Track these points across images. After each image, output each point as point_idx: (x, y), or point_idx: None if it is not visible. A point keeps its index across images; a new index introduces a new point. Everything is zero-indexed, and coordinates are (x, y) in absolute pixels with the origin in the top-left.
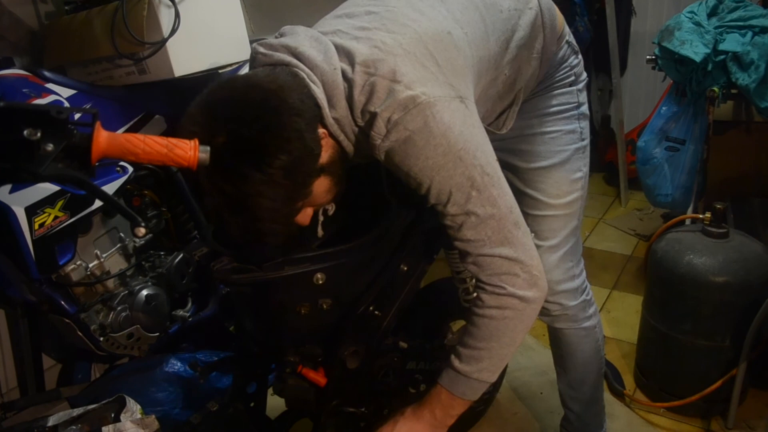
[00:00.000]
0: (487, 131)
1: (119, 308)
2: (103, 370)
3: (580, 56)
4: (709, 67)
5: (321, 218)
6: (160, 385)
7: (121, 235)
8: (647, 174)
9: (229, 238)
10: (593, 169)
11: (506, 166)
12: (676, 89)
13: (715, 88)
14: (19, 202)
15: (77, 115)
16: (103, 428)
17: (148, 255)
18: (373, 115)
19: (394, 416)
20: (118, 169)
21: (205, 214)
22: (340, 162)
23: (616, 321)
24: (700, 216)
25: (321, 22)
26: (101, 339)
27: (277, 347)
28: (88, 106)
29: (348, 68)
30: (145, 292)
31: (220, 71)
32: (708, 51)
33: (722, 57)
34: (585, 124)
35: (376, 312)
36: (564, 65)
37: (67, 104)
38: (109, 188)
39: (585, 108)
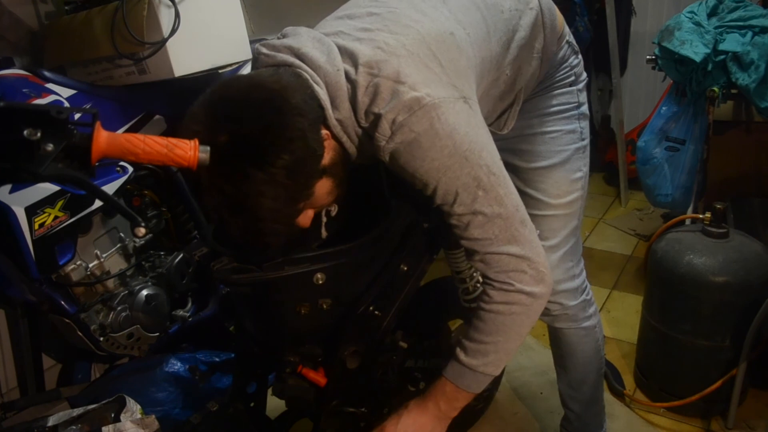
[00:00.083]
0: (488, 128)
1: (119, 308)
2: (103, 370)
3: (580, 56)
4: (709, 67)
5: (324, 219)
6: (160, 385)
7: (121, 235)
8: (647, 174)
9: (229, 238)
10: (593, 169)
11: (506, 166)
12: (676, 89)
13: (715, 88)
14: (19, 202)
15: (77, 115)
16: (103, 428)
17: (148, 255)
18: (378, 117)
19: (398, 411)
20: (118, 169)
21: (205, 214)
22: (342, 164)
23: (616, 321)
24: (700, 216)
25: (322, 24)
26: (101, 339)
27: (277, 347)
28: (88, 106)
29: (351, 69)
30: (145, 292)
31: (220, 71)
32: (708, 51)
33: (722, 57)
34: (585, 124)
35: (376, 312)
36: (564, 65)
37: (67, 104)
38: (109, 188)
39: (585, 108)
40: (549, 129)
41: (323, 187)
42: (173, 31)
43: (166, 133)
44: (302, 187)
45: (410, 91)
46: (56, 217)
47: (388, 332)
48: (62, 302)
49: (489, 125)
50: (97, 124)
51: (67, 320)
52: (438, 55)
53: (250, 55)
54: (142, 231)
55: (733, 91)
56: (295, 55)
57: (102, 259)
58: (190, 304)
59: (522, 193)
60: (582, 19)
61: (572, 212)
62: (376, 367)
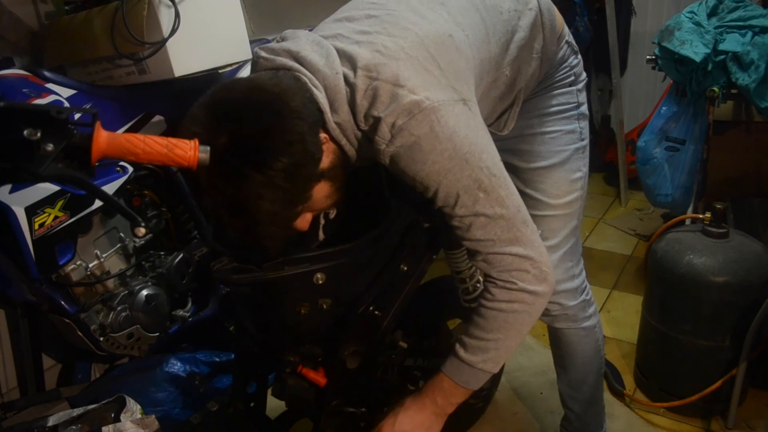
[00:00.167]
0: (487, 130)
1: (119, 308)
2: (103, 370)
3: (579, 56)
4: (709, 67)
5: (322, 222)
6: (160, 385)
7: (121, 235)
8: (647, 174)
9: (229, 238)
10: (593, 169)
11: (506, 166)
12: (676, 89)
13: (715, 88)
14: (19, 202)
15: (77, 115)
16: (103, 428)
17: (148, 255)
18: (377, 120)
19: (394, 409)
20: (118, 169)
21: (205, 214)
22: (341, 167)
23: (616, 321)
24: (700, 216)
25: (321, 26)
26: (101, 339)
27: (277, 347)
28: (88, 106)
29: (350, 73)
30: (145, 292)
31: (220, 71)
32: (708, 51)
33: (722, 57)
34: (584, 124)
35: (376, 312)
36: (564, 65)
37: (67, 104)
38: (109, 188)
39: (584, 108)
40: (548, 129)
41: (322, 191)
42: (173, 31)
43: (166, 133)
44: (300, 190)
45: (409, 94)
46: (56, 217)
47: (388, 332)
48: (62, 302)
49: (489, 126)
50: (97, 124)
51: (67, 320)
52: (437, 57)
53: (250, 55)
54: (142, 231)
55: (733, 91)
56: (294, 58)
57: (102, 259)
58: (190, 304)
59: (522, 194)
60: (582, 19)
61: (572, 212)
62: (376, 367)
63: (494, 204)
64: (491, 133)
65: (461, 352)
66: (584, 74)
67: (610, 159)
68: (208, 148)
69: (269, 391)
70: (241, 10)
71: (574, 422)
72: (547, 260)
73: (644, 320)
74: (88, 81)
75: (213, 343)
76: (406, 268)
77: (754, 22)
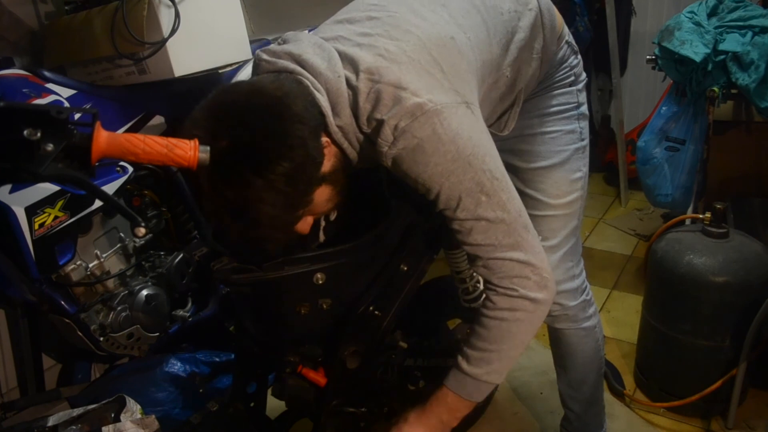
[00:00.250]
0: (489, 133)
1: (119, 308)
2: (103, 370)
3: (579, 57)
4: (709, 67)
5: (323, 224)
6: (160, 385)
7: (121, 235)
8: (647, 174)
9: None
10: (593, 169)
11: (506, 167)
12: (676, 89)
13: (715, 88)
14: (19, 202)
15: (77, 115)
16: (103, 428)
17: (148, 255)
18: (380, 123)
19: (396, 423)
20: (118, 169)
21: (205, 214)
22: (342, 170)
23: (616, 321)
24: (700, 216)
25: (321, 28)
26: (101, 339)
27: (277, 347)
28: (88, 106)
29: (352, 76)
30: (145, 292)
31: (220, 71)
32: (708, 51)
33: (722, 57)
34: (584, 124)
35: (376, 312)
36: (564, 65)
37: (67, 104)
38: (109, 188)
39: (584, 108)
40: (549, 129)
41: (323, 194)
42: (173, 31)
43: (166, 133)
44: (302, 194)
45: (412, 97)
46: (56, 217)
47: (388, 332)
48: (62, 302)
49: (489, 127)
50: (97, 124)
51: (67, 320)
52: (439, 60)
53: (250, 56)
54: (142, 231)
55: (733, 91)
56: (296, 61)
57: (102, 259)
58: (190, 304)
59: (522, 194)
60: (582, 19)
61: (572, 212)
62: (376, 367)
63: (496, 208)
64: (492, 133)
65: (464, 365)
66: (584, 74)
67: (610, 159)
68: (208, 148)
69: (269, 391)
70: (241, 10)
71: (574, 422)
72: (547, 266)
73: (644, 320)
74: (88, 81)
75: (213, 343)
76: (406, 268)
77: (754, 22)
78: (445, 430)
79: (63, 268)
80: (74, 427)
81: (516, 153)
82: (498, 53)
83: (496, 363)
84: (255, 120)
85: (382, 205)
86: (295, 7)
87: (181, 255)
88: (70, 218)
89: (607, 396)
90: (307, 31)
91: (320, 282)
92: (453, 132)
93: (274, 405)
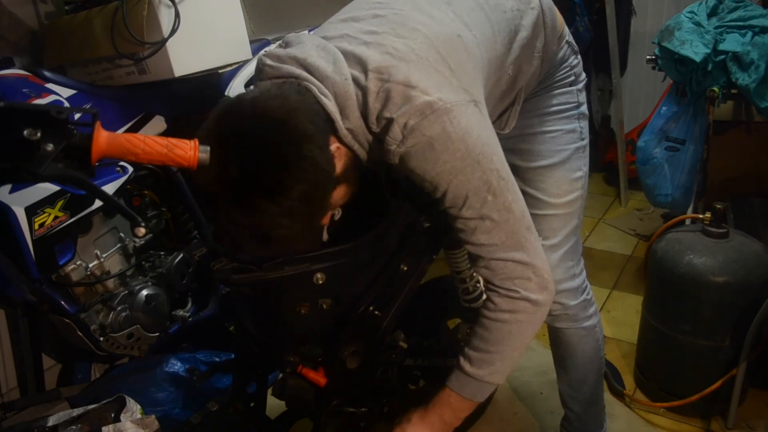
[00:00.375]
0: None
1: (119, 308)
2: (103, 370)
3: (579, 57)
4: (709, 67)
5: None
6: (160, 385)
7: (121, 235)
8: (647, 174)
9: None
10: (593, 169)
11: None
12: (676, 89)
13: (715, 88)
14: (19, 202)
15: (77, 115)
16: (103, 428)
17: (148, 255)
18: (389, 121)
19: (399, 423)
20: (118, 169)
21: (205, 214)
22: (354, 167)
23: (616, 321)
24: (700, 216)
25: (325, 26)
26: (101, 339)
27: (277, 347)
28: (88, 106)
29: (360, 75)
30: (145, 292)
31: (220, 71)
32: (708, 51)
33: (722, 57)
34: (584, 124)
35: (376, 312)
36: (564, 65)
37: (67, 104)
38: (109, 188)
39: (584, 108)
40: (549, 128)
41: (338, 194)
42: (173, 31)
43: (166, 133)
44: (319, 208)
45: (422, 95)
46: (56, 217)
47: (388, 332)
48: (62, 302)
49: None
50: (97, 124)
51: (67, 320)
52: (447, 58)
53: (250, 56)
54: (142, 231)
55: (733, 91)
56: (302, 66)
57: (102, 259)
58: (190, 304)
59: (522, 193)
60: (582, 19)
61: (572, 211)
62: (376, 367)
63: (501, 208)
64: None
65: (466, 366)
66: (584, 74)
67: (610, 159)
68: (208, 148)
69: (269, 391)
70: (241, 10)
71: (575, 422)
72: (548, 269)
73: (644, 320)
74: (88, 81)
75: (213, 343)
76: (406, 268)
77: (754, 22)
78: (448, 430)
79: (63, 268)
80: (74, 427)
81: (516, 152)
82: (502, 51)
83: (498, 364)
84: (263, 148)
85: (382, 205)
86: (295, 7)
87: (181, 255)
88: (70, 218)
89: (607, 396)
90: (308, 32)
91: (320, 282)
92: (463, 130)
93: (274, 405)
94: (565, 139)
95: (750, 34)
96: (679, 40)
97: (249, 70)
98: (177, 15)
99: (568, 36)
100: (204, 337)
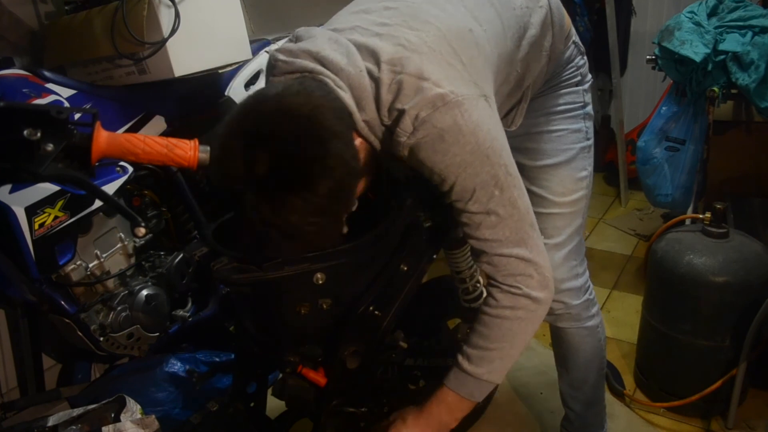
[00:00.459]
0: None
1: (119, 308)
2: (103, 370)
3: (585, 57)
4: (709, 67)
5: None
6: (160, 385)
7: (121, 235)
8: (647, 174)
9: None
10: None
11: None
12: (676, 89)
13: (715, 88)
14: (19, 202)
15: (77, 115)
16: (103, 428)
17: (148, 255)
18: (401, 113)
19: (394, 423)
20: (118, 169)
21: (205, 213)
22: (372, 158)
23: (616, 321)
24: (700, 216)
25: (336, 19)
26: (101, 339)
27: (277, 347)
28: (88, 106)
29: (374, 67)
30: (145, 292)
31: (220, 71)
32: (708, 51)
33: (722, 57)
34: (590, 124)
35: (376, 312)
36: (571, 65)
37: (67, 104)
38: (109, 188)
39: (590, 108)
40: (555, 128)
41: (360, 186)
42: (173, 31)
43: (166, 133)
44: (345, 204)
45: (434, 87)
46: (56, 217)
47: (388, 332)
48: (62, 302)
49: None
50: (97, 124)
51: (67, 320)
52: (459, 52)
53: (250, 55)
54: (142, 231)
55: (733, 91)
56: (315, 59)
57: (102, 259)
58: (190, 304)
59: (527, 191)
60: (582, 19)
61: (576, 211)
62: (376, 367)
63: (507, 203)
64: None
65: (465, 364)
66: (590, 75)
67: (610, 159)
68: (208, 147)
69: (269, 391)
70: (241, 10)
71: (575, 422)
72: (549, 267)
73: (644, 320)
74: (88, 81)
75: (213, 343)
76: (406, 268)
77: (754, 22)
78: (444, 430)
79: (63, 268)
80: (74, 427)
81: (522, 151)
82: (511, 48)
83: (497, 362)
84: (290, 146)
85: (382, 205)
86: (295, 7)
87: (181, 255)
88: (70, 218)
89: (607, 396)
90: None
91: (320, 282)
92: (474, 124)
93: (274, 405)
94: (570, 139)
95: (750, 34)
96: (679, 40)
97: (249, 70)
98: (177, 15)
99: (575, 36)
100: (204, 337)
